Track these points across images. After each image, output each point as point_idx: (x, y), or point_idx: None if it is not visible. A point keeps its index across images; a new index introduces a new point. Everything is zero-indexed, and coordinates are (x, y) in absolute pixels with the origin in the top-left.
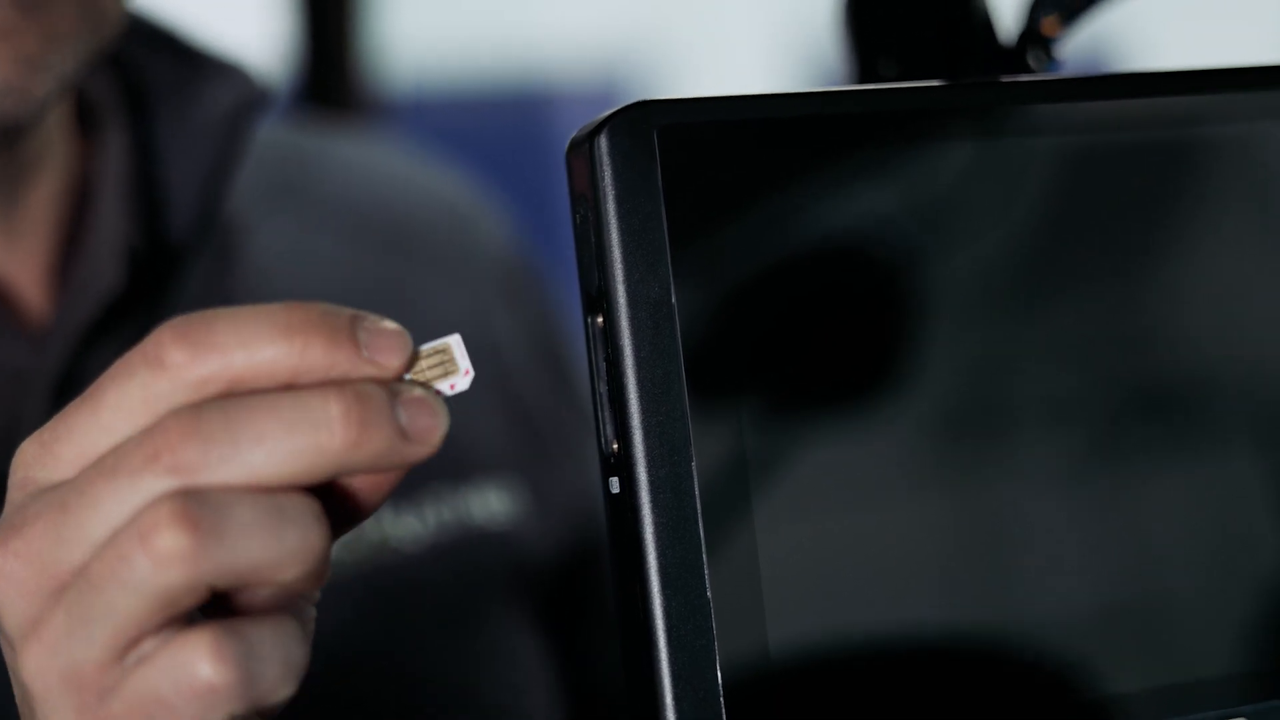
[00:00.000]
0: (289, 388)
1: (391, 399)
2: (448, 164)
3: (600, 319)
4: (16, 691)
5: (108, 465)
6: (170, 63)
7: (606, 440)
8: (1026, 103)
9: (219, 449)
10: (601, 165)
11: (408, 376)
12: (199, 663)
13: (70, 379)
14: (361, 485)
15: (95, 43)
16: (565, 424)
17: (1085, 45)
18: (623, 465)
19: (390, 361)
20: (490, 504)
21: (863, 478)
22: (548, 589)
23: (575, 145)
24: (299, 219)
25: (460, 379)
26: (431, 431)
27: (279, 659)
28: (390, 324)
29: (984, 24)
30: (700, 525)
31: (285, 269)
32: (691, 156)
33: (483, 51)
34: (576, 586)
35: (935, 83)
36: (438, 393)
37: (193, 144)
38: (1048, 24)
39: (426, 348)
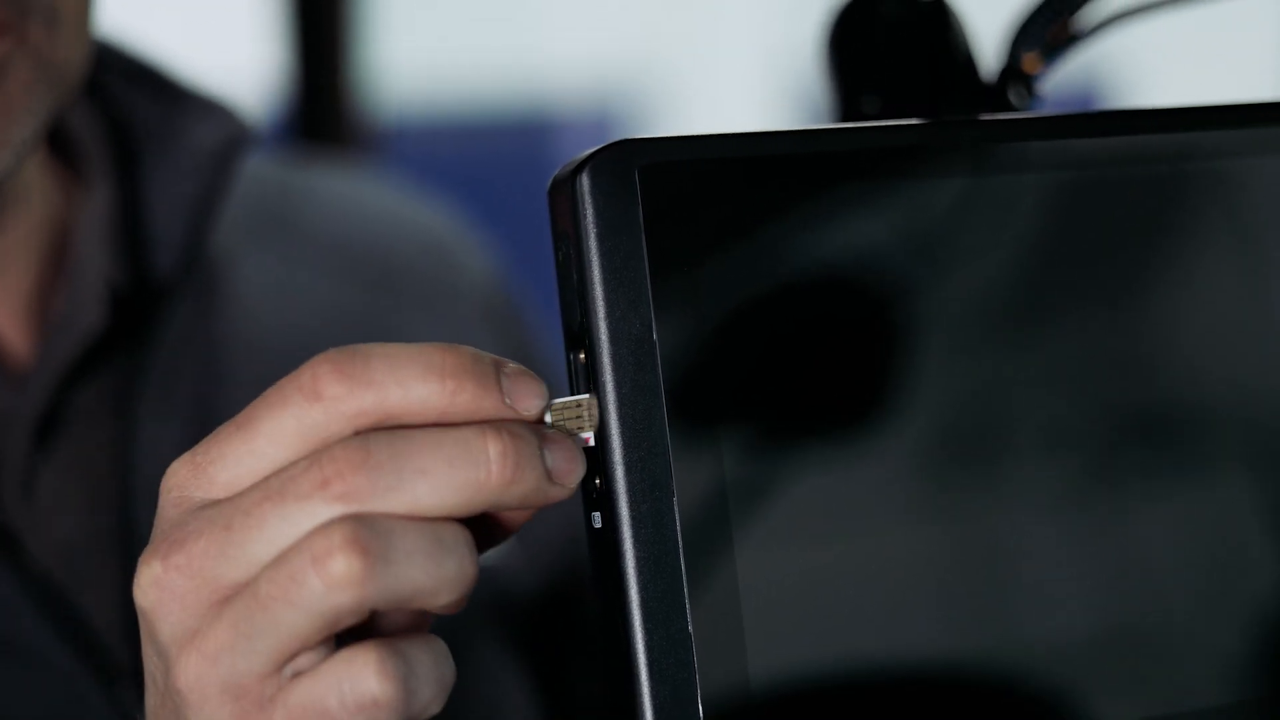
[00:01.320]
0: (436, 425)
1: (540, 441)
2: (431, 198)
3: (582, 355)
4: (154, 699)
5: (274, 488)
6: (155, 99)
7: (589, 476)
8: (1008, 140)
9: (386, 479)
10: (583, 203)
11: (548, 420)
12: (367, 678)
13: (51, 419)
14: (503, 518)
15: (56, 100)
16: None
17: (1073, 80)
18: (605, 500)
19: (531, 406)
20: None
21: (844, 511)
22: (531, 621)
23: (557, 184)
24: (283, 254)
25: (592, 433)
26: (571, 474)
27: (434, 677)
28: (529, 372)
29: (965, 61)
30: (681, 559)
31: (269, 304)
32: (672, 195)
33: (479, 80)
34: (559, 618)
35: (917, 120)
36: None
37: (177, 182)
38: (1029, 61)
39: (560, 401)
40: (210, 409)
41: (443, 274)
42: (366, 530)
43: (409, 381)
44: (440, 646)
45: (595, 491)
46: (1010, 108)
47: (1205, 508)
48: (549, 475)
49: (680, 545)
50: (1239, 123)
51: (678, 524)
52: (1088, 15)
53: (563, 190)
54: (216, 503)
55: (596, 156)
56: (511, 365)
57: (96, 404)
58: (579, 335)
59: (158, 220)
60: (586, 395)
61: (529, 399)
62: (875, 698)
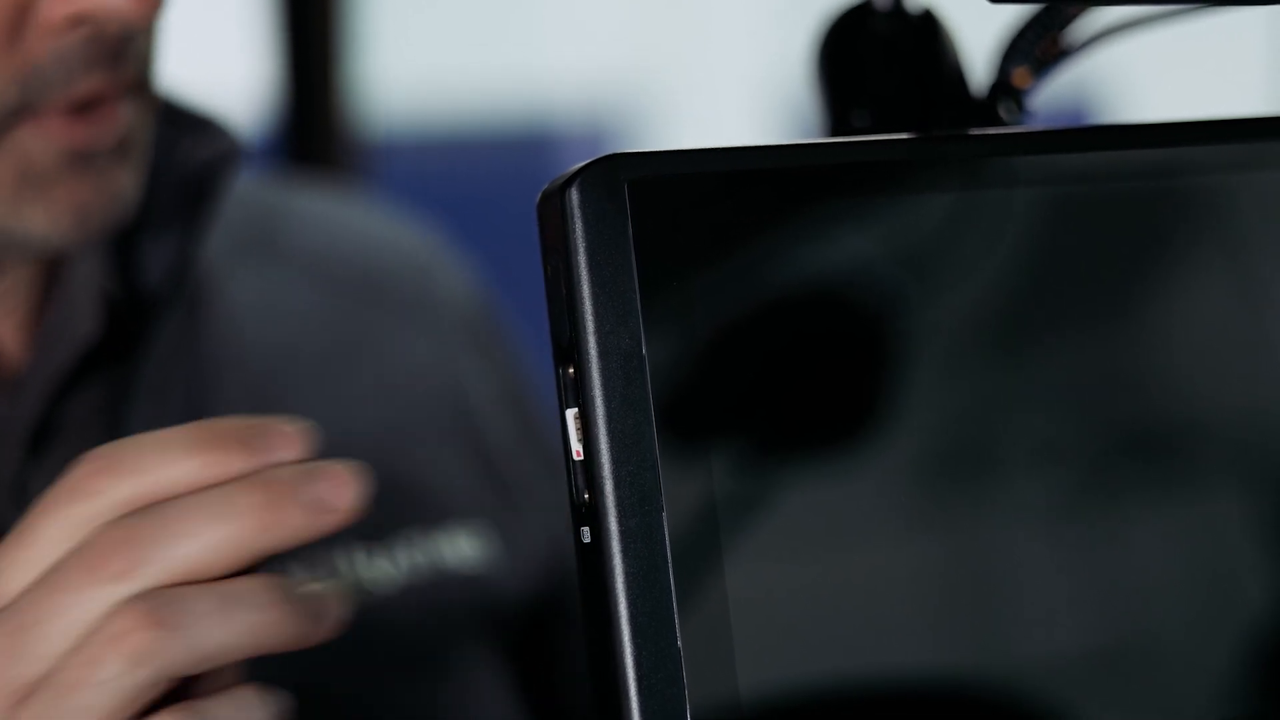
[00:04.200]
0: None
1: (301, 479)
2: (412, 218)
3: (571, 369)
4: None
5: (50, 583)
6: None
7: (577, 490)
8: (998, 155)
9: (156, 550)
10: (572, 218)
11: None
12: None
13: (46, 428)
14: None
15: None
16: (531, 472)
17: (1063, 95)
18: (593, 515)
19: (286, 454)
20: (461, 548)
21: (835, 528)
22: (519, 633)
23: (546, 198)
24: (267, 272)
25: (581, 447)
26: (342, 499)
27: None
28: (279, 424)
29: (955, 76)
30: (671, 575)
31: (254, 322)
32: (662, 209)
33: (472, 95)
34: (547, 631)
35: (906, 135)
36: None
37: (169, 197)
38: (1019, 75)
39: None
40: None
41: (424, 290)
42: (155, 602)
43: (168, 462)
44: (249, 697)
45: (584, 506)
46: (1000, 122)
47: (1200, 526)
48: (315, 507)
49: (669, 561)
50: (1232, 137)
51: (667, 539)
52: (1078, 30)
53: (552, 204)
54: (3, 609)
55: (586, 170)
56: (269, 423)
57: (88, 415)
58: (568, 350)
59: (149, 233)
60: (574, 409)
61: (283, 448)
62: (868, 717)
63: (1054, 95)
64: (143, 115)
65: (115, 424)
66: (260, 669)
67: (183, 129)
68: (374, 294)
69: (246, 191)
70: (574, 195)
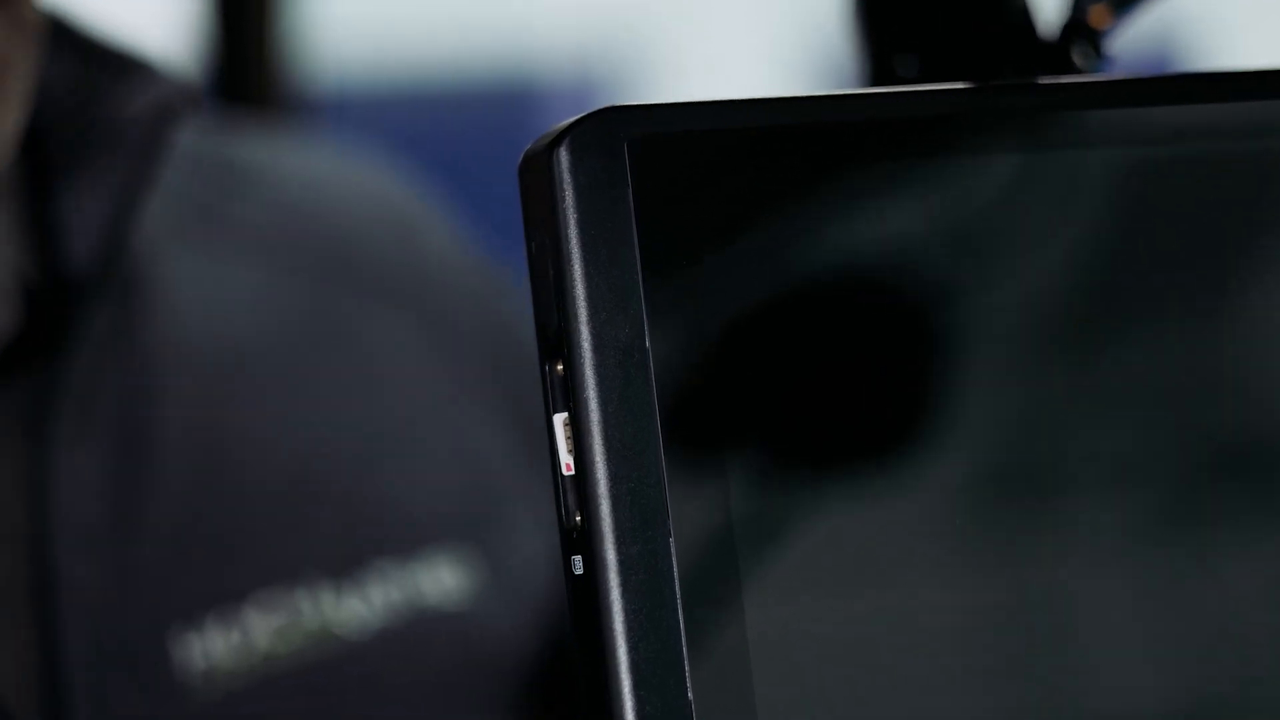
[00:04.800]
0: None
1: None
2: (385, 164)
3: (560, 366)
4: None
5: None
6: (65, 59)
7: (568, 511)
8: (1072, 108)
9: None
10: (561, 184)
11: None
12: None
13: None
14: None
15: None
16: (527, 476)
17: (1148, 39)
18: (586, 541)
19: None
20: (443, 580)
21: (873, 557)
22: (511, 676)
23: (530, 160)
24: (212, 250)
25: (572, 459)
26: None
27: None
28: None
29: (1021, 14)
30: (680, 613)
31: (200, 311)
32: (669, 173)
33: (439, 41)
34: (543, 673)
35: (962, 85)
36: None
37: (95, 158)
38: (1096, 13)
39: None
40: (137, 432)
41: (406, 257)
42: None
43: None
44: None
45: (575, 531)
46: (1074, 70)
47: None
48: None
49: (678, 595)
50: None
51: (674, 570)
52: None
53: (537, 169)
54: None
55: (577, 127)
56: None
57: (4, 426)
58: (556, 342)
59: (72, 205)
60: (563, 414)
61: None
62: None
63: (1138, 39)
64: (8, 34)
65: (36, 436)
66: None
67: (109, 73)
68: (342, 270)
69: (185, 149)
70: (563, 156)
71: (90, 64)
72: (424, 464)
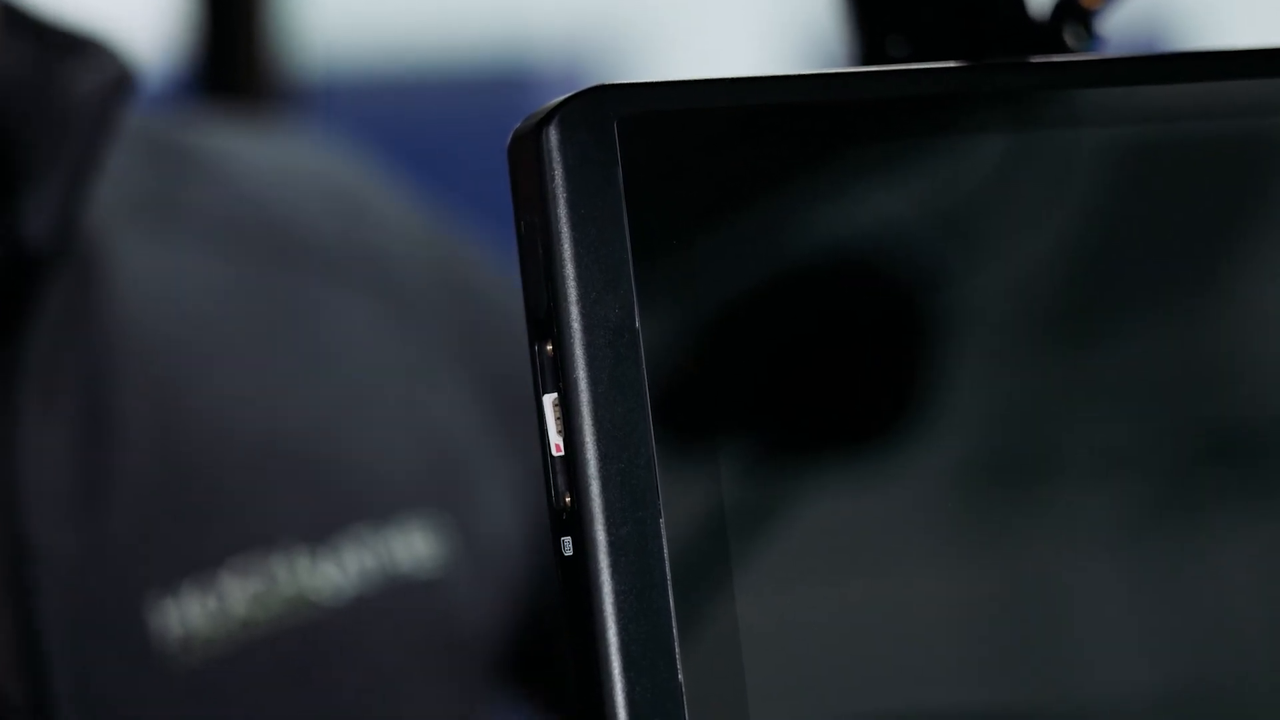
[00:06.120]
0: None
1: None
2: (342, 149)
3: (550, 347)
4: None
5: None
6: (20, 40)
7: (557, 492)
8: (1064, 88)
9: None
10: (550, 163)
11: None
12: None
13: None
14: None
15: None
16: (497, 447)
17: (1140, 18)
18: (576, 522)
19: None
20: (416, 548)
21: (866, 541)
22: (488, 646)
23: (519, 139)
24: (165, 237)
25: (561, 440)
26: None
27: None
28: None
29: None
30: (670, 595)
31: (153, 296)
32: (660, 152)
33: (428, 26)
34: (522, 644)
35: (954, 64)
36: None
37: (48, 135)
38: None
39: None
40: (99, 406)
41: (358, 236)
42: None
43: None
44: None
45: (565, 512)
46: (1066, 49)
47: None
48: None
49: (668, 578)
50: None
51: (665, 552)
52: None
53: (525, 148)
54: None
55: (566, 105)
56: None
57: None
58: (545, 323)
59: (28, 177)
60: (553, 394)
61: None
62: None
63: (1129, 18)
64: None
65: (2, 410)
66: (197, 702)
67: (58, 51)
68: (295, 253)
69: (144, 136)
70: (552, 135)
71: (43, 45)
72: (389, 434)
